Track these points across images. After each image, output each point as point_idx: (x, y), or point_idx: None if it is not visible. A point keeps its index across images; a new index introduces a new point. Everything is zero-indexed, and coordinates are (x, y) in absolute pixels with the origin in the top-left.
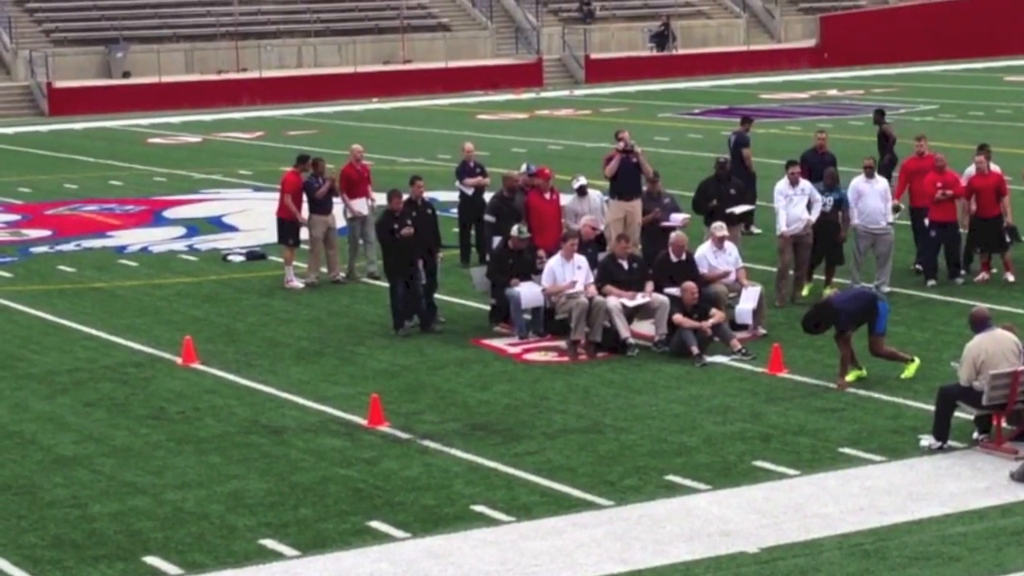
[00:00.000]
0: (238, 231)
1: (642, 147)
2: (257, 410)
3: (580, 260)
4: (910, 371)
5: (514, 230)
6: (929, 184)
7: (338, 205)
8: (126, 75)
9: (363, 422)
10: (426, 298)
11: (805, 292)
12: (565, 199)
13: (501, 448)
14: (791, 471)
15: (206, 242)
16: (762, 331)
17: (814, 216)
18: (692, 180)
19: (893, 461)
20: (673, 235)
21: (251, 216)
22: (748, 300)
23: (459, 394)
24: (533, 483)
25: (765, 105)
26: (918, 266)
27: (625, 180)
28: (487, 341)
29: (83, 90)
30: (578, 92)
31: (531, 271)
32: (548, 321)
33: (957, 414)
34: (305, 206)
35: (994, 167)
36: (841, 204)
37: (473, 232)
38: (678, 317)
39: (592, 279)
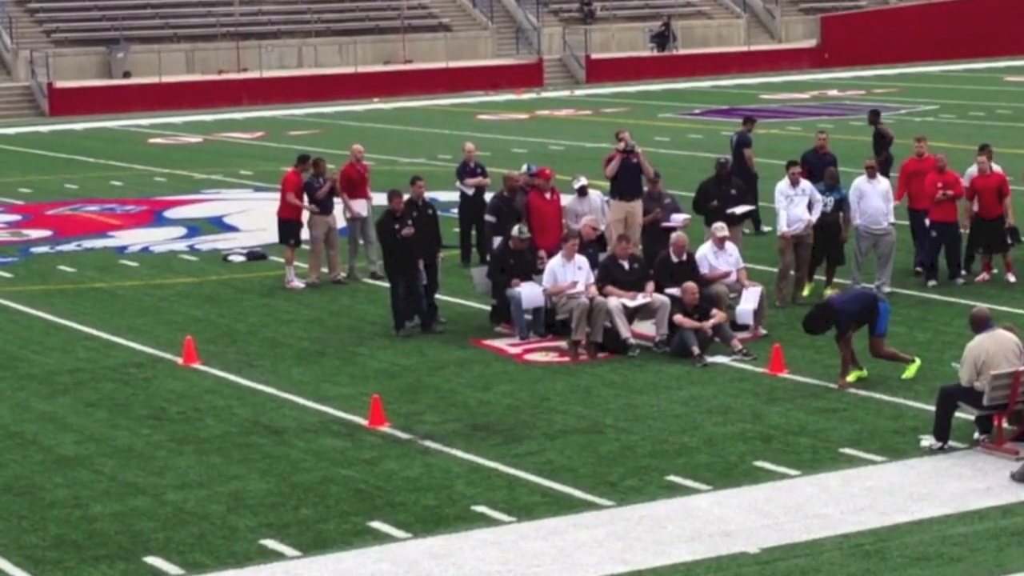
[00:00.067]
0: (239, 231)
1: (643, 147)
2: (258, 410)
3: (581, 260)
4: (911, 371)
5: (515, 230)
6: (930, 184)
7: (338, 205)
8: (127, 75)
9: (364, 422)
10: (427, 298)
11: (806, 292)
12: (566, 199)
13: (502, 448)
14: (792, 471)
15: (207, 242)
16: (763, 331)
17: (815, 216)
18: (692, 180)
19: (894, 461)
20: (674, 235)
21: (252, 216)
22: (749, 300)
23: (460, 394)
24: (534, 483)
25: (766, 105)
26: (918, 269)
27: (626, 180)
28: (488, 341)
29: (84, 90)
30: (579, 92)
31: (532, 271)
32: (549, 322)
33: (958, 414)
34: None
35: (996, 167)
36: (842, 204)
37: (474, 232)
38: (679, 317)
39: (593, 279)
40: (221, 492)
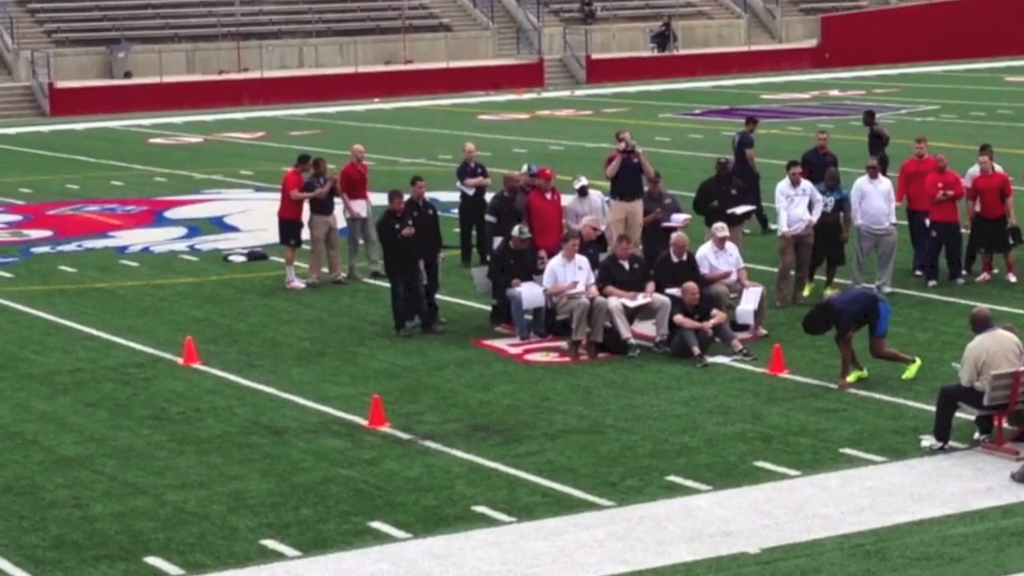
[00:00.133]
0: (239, 231)
1: (643, 147)
2: (258, 410)
3: (581, 260)
4: (911, 372)
5: (515, 230)
6: (930, 184)
7: (339, 205)
8: (127, 75)
9: (364, 423)
10: (427, 298)
11: (806, 293)
12: (566, 199)
13: (502, 449)
14: (792, 472)
15: (207, 242)
16: (763, 332)
17: (815, 217)
18: (693, 180)
19: (894, 462)
20: (674, 235)
21: (252, 216)
22: (749, 301)
23: (460, 394)
24: (534, 484)
25: (766, 105)
26: (918, 272)
27: (626, 181)
28: (488, 342)
29: (84, 90)
30: (579, 92)
31: (532, 271)
32: (549, 322)
33: (958, 415)
34: (306, 206)
35: (998, 168)
36: (842, 204)
37: (474, 232)
38: (679, 317)
39: (593, 279)
40: (221, 492)
